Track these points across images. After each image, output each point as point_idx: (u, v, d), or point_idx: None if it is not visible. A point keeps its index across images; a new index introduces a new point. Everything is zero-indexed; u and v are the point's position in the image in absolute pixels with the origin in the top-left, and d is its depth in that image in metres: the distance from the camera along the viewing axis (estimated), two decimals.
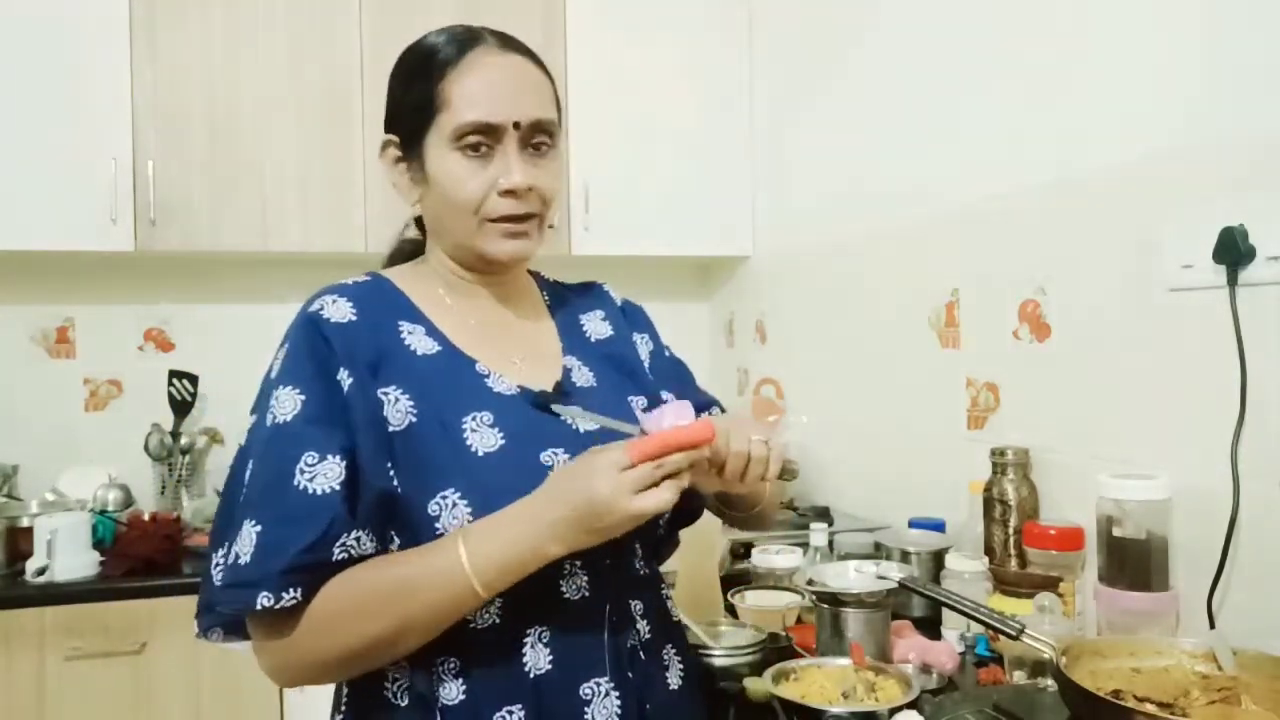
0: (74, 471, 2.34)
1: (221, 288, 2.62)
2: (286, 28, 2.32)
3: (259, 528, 0.80)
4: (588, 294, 1.14)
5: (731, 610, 1.51)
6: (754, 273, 2.73)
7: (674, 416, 0.84)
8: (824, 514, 2.04)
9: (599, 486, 0.79)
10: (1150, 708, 0.95)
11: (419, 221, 1.06)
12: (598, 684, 0.89)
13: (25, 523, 2.02)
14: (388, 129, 0.98)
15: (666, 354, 1.16)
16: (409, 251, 1.07)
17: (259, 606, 0.78)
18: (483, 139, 0.91)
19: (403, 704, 0.87)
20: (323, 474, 0.82)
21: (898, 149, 1.99)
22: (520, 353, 0.98)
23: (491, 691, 0.86)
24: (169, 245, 2.25)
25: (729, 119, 2.67)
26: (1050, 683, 1.15)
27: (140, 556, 1.99)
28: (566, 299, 1.11)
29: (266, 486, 0.82)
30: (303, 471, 0.81)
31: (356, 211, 2.36)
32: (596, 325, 1.09)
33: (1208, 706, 0.98)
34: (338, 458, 0.83)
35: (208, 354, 2.59)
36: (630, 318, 1.14)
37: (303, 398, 0.84)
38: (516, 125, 0.92)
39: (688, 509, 1.07)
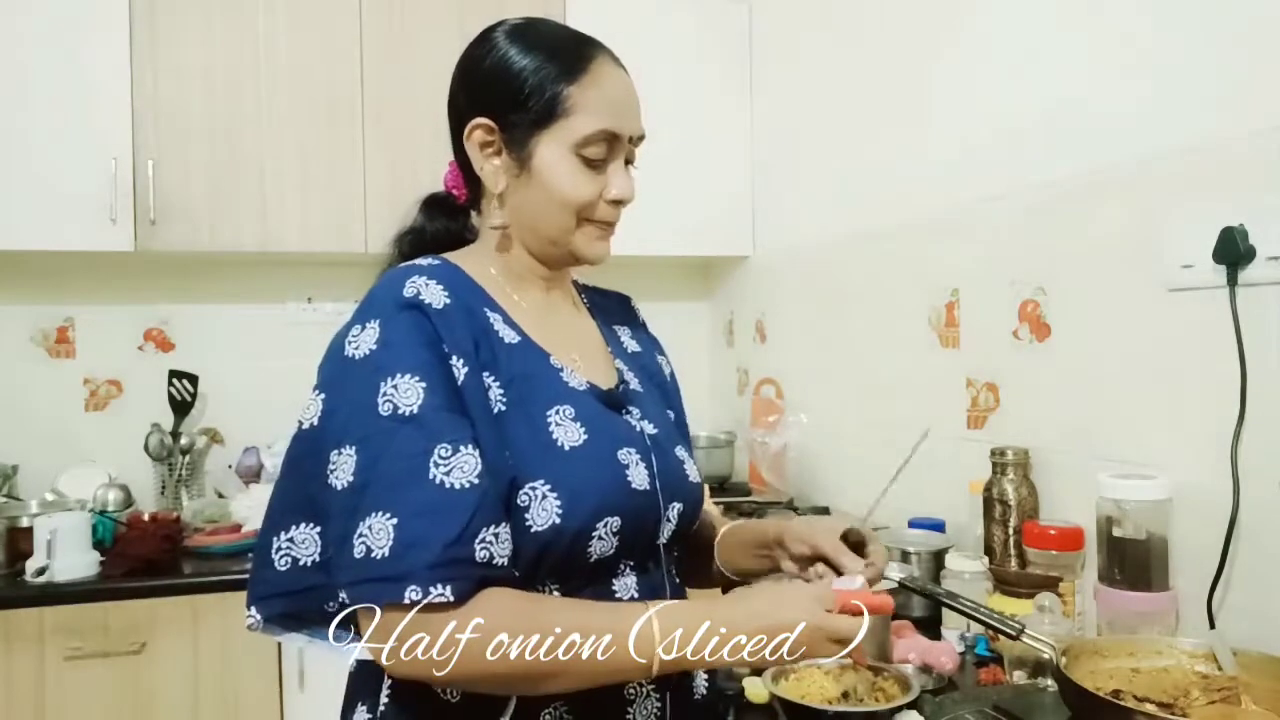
0: (74, 471, 2.35)
1: (221, 288, 2.62)
2: (287, 28, 2.32)
3: (394, 520, 0.77)
4: (620, 305, 1.17)
5: None
6: (754, 273, 2.73)
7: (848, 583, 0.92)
8: (823, 514, 2.04)
9: (805, 619, 0.83)
10: (1150, 708, 0.95)
11: (438, 206, 1.04)
12: (640, 684, 0.90)
13: (25, 523, 2.01)
14: (481, 113, 0.95)
15: (678, 388, 1.17)
16: (434, 236, 1.03)
17: (406, 600, 0.76)
18: (605, 148, 0.93)
19: (453, 700, 0.87)
20: (459, 467, 0.79)
21: (898, 149, 1.99)
22: (576, 350, 0.99)
23: None
24: (169, 245, 2.25)
25: (729, 119, 2.67)
26: (1050, 683, 1.15)
27: (140, 557, 1.99)
28: (601, 305, 1.13)
29: (397, 479, 0.79)
30: (437, 465, 0.79)
31: (356, 211, 2.36)
32: (628, 338, 1.12)
33: (1208, 706, 0.98)
34: (470, 448, 0.81)
35: (208, 354, 2.59)
36: (652, 340, 1.17)
37: (424, 385, 0.82)
38: (631, 139, 0.96)
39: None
